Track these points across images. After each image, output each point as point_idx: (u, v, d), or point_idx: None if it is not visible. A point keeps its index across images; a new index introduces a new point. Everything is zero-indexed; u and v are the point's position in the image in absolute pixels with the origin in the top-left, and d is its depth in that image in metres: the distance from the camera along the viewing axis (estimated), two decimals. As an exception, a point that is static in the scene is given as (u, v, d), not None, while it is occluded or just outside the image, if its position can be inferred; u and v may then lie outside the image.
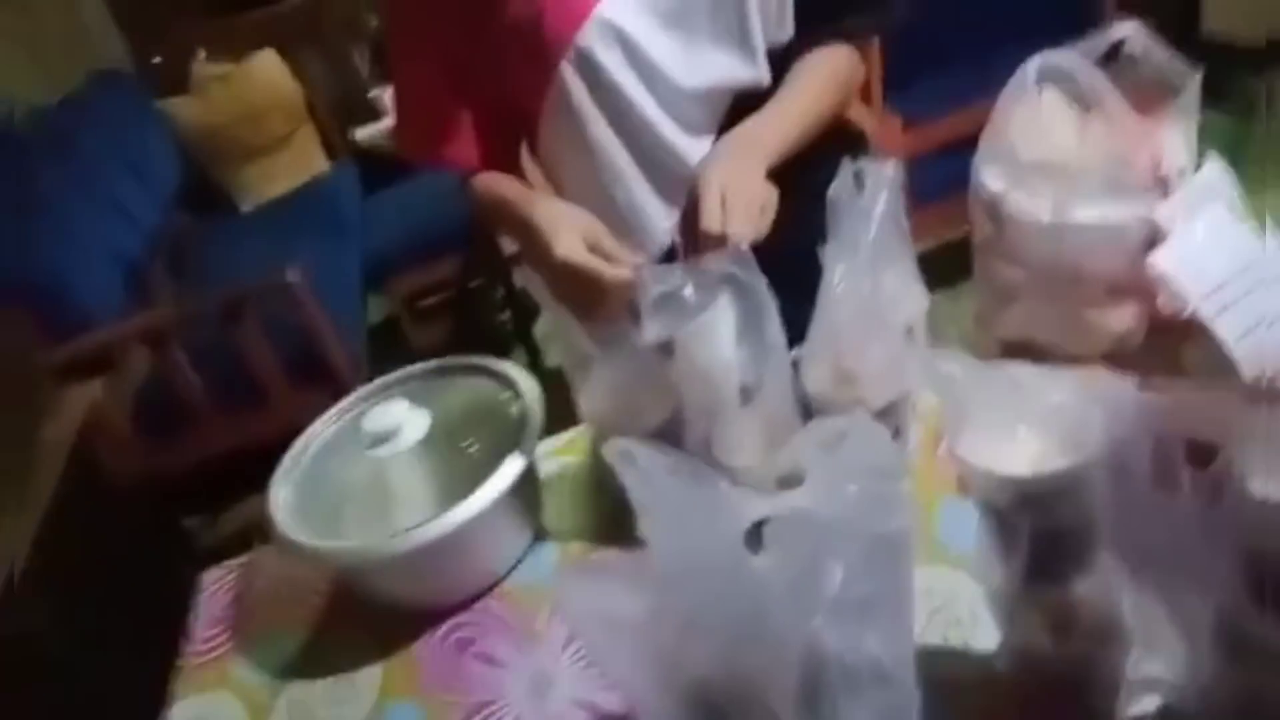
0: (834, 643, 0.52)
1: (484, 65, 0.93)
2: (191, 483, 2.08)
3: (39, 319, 2.01)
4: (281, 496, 0.88)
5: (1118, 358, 0.89)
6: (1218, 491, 0.49)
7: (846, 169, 0.76)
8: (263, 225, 3.01)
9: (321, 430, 0.95)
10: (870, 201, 0.77)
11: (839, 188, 0.75)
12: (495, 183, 0.97)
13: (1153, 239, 0.83)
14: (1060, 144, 0.86)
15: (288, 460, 0.91)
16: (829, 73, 0.95)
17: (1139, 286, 0.85)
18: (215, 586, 1.00)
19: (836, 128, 0.99)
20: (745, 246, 0.75)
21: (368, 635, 0.87)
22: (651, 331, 0.75)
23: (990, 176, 0.89)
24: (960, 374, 0.57)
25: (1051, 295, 0.89)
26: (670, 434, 0.81)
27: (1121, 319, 0.89)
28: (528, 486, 0.88)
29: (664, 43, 0.90)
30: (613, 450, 0.53)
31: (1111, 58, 0.88)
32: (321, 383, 2.07)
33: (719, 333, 0.75)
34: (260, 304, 2.07)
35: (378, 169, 2.95)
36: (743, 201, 0.80)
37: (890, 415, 0.80)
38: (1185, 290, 0.81)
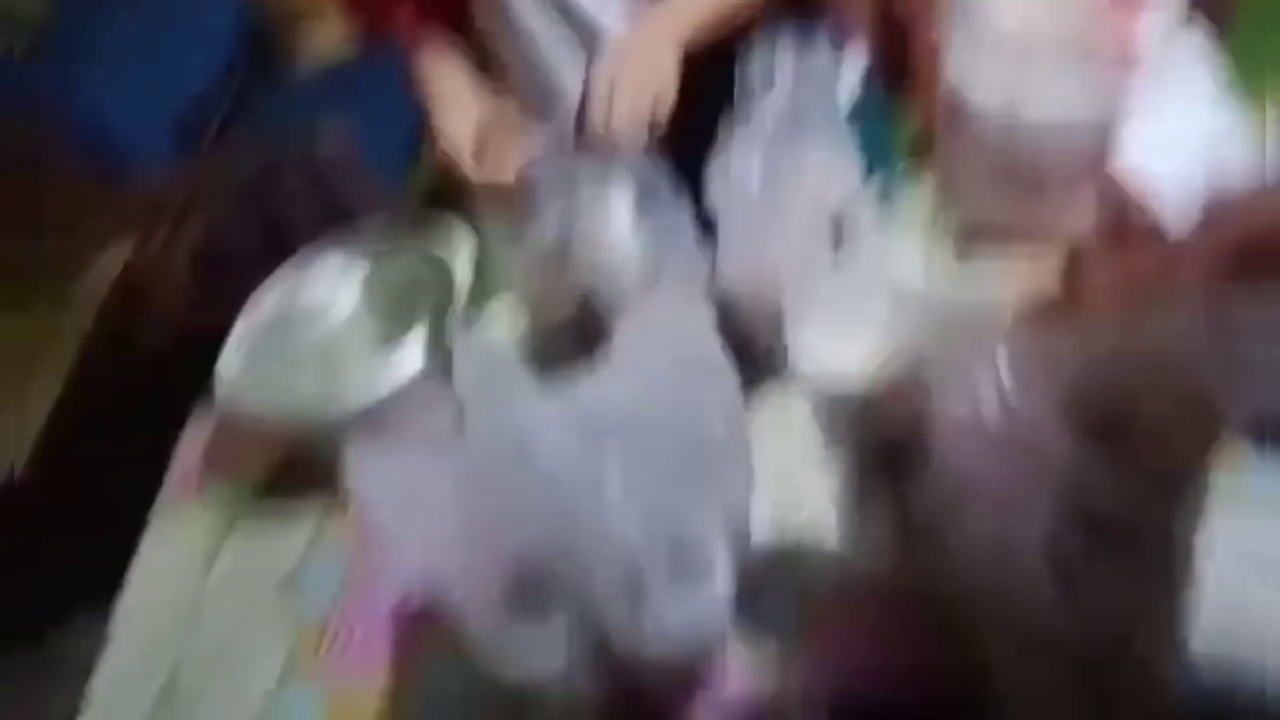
0: (637, 531, 0.52)
1: None
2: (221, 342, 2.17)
3: (83, 166, 2.09)
4: (234, 364, 0.92)
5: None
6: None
7: (771, 44, 0.71)
8: (321, 85, 3.02)
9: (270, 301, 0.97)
10: (789, 75, 0.72)
11: (755, 65, 0.70)
12: (429, 58, 0.95)
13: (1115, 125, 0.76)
14: (1029, 14, 0.78)
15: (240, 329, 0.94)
16: None
17: (1102, 176, 0.78)
18: (195, 436, 1.06)
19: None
20: (632, 143, 0.73)
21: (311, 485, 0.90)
22: (546, 227, 0.73)
23: (955, 44, 0.81)
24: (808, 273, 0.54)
25: (1006, 186, 0.83)
26: (587, 320, 0.81)
27: (1087, 210, 0.82)
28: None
29: None
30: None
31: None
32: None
33: (611, 223, 0.72)
34: (299, 165, 2.10)
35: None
36: (631, 93, 0.77)
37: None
38: (1150, 181, 0.73)
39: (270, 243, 2.18)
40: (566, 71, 0.92)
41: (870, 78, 1.02)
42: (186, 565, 0.90)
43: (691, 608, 0.54)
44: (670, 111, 0.78)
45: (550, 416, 0.51)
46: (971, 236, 0.88)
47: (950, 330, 0.68)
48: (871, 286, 0.53)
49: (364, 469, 0.50)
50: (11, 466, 1.54)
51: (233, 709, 0.77)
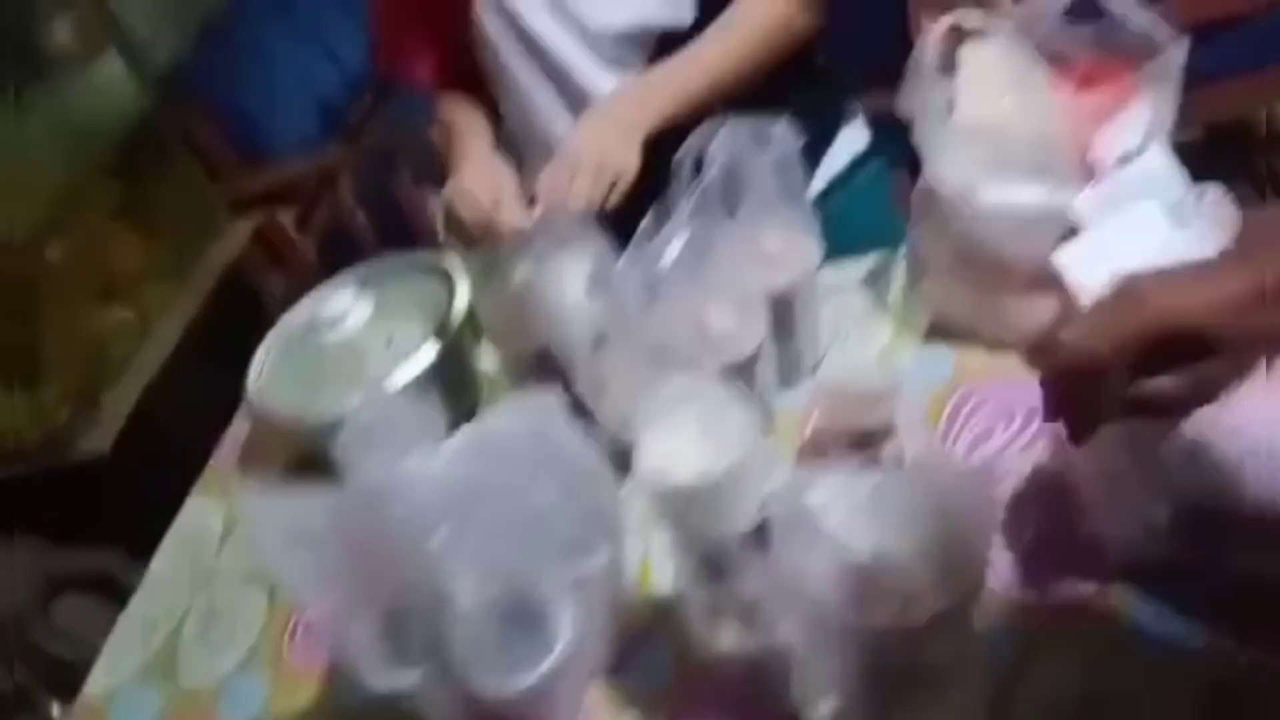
0: (478, 585, 0.58)
1: None
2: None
3: (231, 150, 2.32)
4: (260, 368, 1.03)
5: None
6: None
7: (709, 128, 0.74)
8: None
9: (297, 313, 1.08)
10: (735, 157, 0.75)
11: (686, 149, 0.74)
12: (452, 106, 1.02)
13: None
14: (999, 110, 0.77)
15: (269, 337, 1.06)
16: (756, 21, 0.90)
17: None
18: (235, 430, 1.19)
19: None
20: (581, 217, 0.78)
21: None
22: (517, 276, 0.80)
23: (925, 131, 0.81)
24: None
25: (970, 276, 0.82)
26: (549, 361, 0.87)
27: (1044, 310, 0.80)
28: (450, 373, 0.96)
29: None
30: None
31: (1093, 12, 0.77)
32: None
33: (565, 282, 0.78)
34: (413, 162, 2.26)
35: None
36: (590, 174, 0.81)
37: (739, 374, 0.80)
38: (1079, 295, 0.72)
39: (386, 227, 2.37)
40: (559, 132, 0.97)
41: (873, 156, 1.02)
42: (208, 536, 1.04)
43: (528, 656, 0.60)
44: (625, 191, 0.82)
45: (416, 474, 0.58)
46: (938, 323, 0.88)
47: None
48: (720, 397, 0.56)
49: (255, 506, 0.58)
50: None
51: (214, 665, 0.89)
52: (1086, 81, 0.79)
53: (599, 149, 0.83)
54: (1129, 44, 0.75)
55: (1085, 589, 0.64)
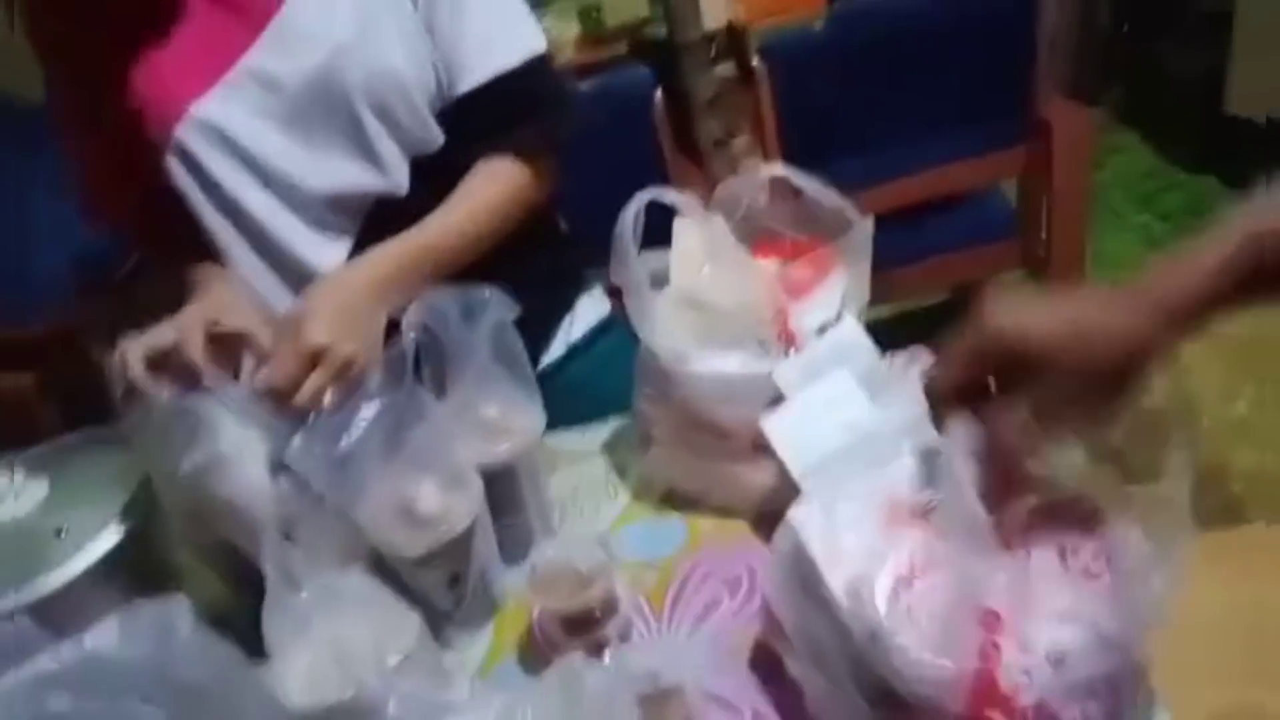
0: None
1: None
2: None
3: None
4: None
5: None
6: None
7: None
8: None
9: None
10: (449, 329, 0.72)
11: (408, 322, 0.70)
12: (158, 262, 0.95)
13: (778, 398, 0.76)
14: (701, 281, 0.79)
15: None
16: (486, 197, 0.89)
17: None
18: None
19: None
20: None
21: None
22: (187, 461, 0.71)
23: (637, 302, 0.81)
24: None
25: (693, 443, 0.82)
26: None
27: (765, 475, 0.80)
28: (137, 563, 0.83)
29: (279, 143, 0.85)
30: None
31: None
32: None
33: (242, 465, 0.70)
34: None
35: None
36: (329, 373, 0.76)
37: (452, 554, 0.74)
38: (787, 462, 0.73)
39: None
40: (270, 293, 0.91)
41: (616, 324, 1.02)
42: None
43: None
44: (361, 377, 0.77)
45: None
46: (672, 489, 0.87)
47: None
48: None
49: None
50: None
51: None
52: (793, 256, 0.82)
53: (339, 342, 0.76)
54: (826, 222, 0.80)
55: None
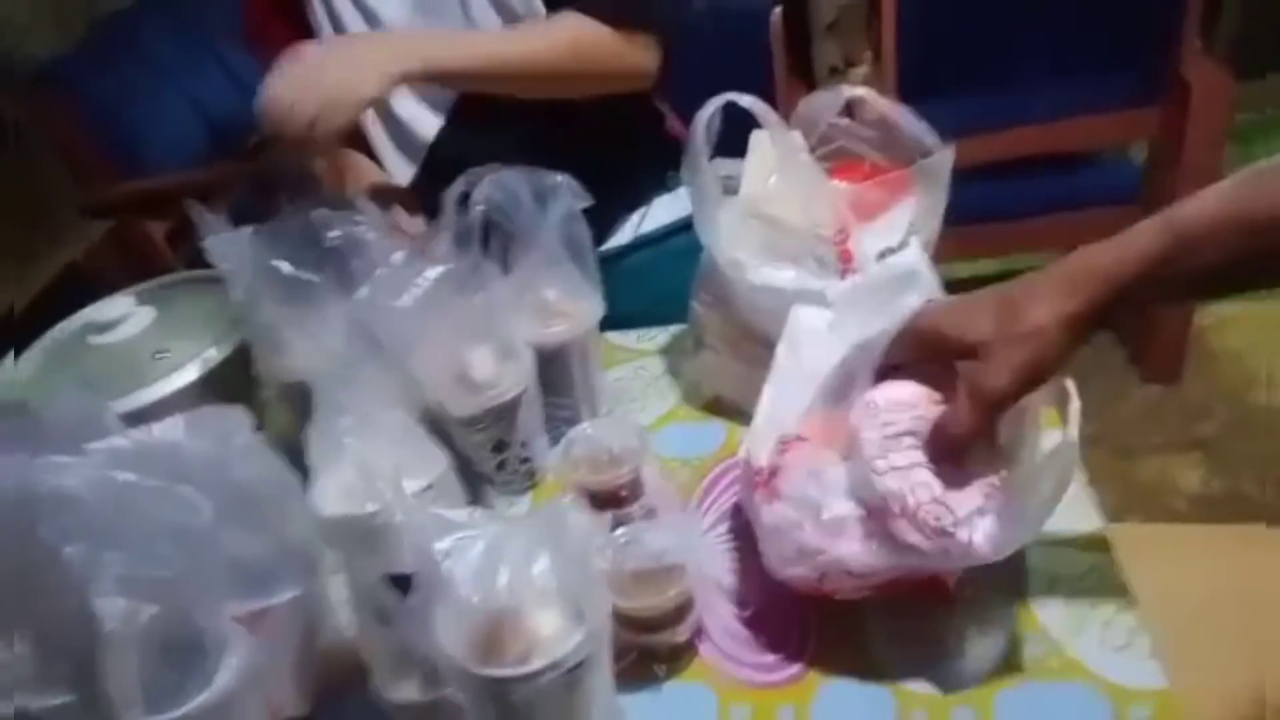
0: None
1: None
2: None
3: (101, 153, 2.23)
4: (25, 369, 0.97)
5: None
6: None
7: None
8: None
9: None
10: (521, 211, 0.76)
11: (454, 186, 0.74)
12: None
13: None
14: (769, 193, 0.79)
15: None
16: (564, 28, 0.90)
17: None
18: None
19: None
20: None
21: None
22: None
23: (701, 207, 0.83)
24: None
25: (741, 352, 0.83)
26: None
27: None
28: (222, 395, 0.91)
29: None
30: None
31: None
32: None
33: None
34: (293, 182, 2.21)
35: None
36: (317, 103, 0.80)
37: (498, 421, 0.79)
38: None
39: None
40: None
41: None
42: None
43: (185, 693, 0.55)
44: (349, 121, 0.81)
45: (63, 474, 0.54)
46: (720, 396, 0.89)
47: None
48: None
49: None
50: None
51: None
52: (868, 178, 0.82)
53: (333, 74, 0.81)
54: (906, 147, 0.79)
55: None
